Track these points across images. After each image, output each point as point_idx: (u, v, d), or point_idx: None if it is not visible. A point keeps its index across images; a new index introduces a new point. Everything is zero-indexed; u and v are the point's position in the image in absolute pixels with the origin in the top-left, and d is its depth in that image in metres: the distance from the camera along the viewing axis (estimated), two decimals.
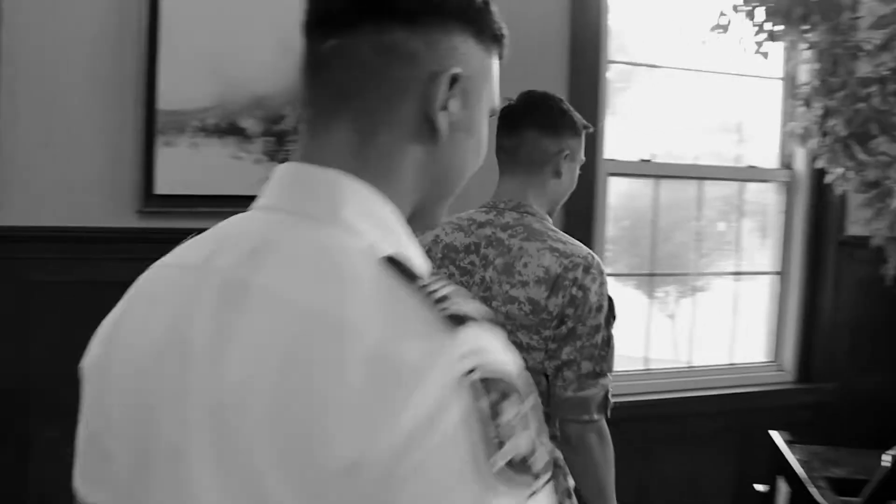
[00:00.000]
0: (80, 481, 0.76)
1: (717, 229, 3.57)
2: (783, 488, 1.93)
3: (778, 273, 3.51)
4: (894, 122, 2.75)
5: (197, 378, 0.64)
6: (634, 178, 3.25)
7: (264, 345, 0.62)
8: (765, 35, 2.79)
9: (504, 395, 0.58)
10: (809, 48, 2.89)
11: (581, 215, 2.56)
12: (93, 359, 0.76)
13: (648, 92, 3.24)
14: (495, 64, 0.79)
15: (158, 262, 0.77)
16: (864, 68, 2.80)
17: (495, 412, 0.57)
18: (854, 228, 3.29)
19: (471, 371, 0.58)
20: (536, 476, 0.59)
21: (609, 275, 1.74)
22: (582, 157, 1.78)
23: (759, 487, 2.12)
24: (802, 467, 1.85)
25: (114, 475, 0.71)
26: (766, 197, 3.52)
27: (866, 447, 1.70)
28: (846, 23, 2.78)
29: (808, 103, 2.89)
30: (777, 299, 3.52)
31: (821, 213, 3.41)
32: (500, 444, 0.56)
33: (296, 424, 0.58)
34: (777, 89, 3.41)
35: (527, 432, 0.59)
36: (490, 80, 0.78)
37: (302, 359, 0.60)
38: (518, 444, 0.57)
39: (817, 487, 1.73)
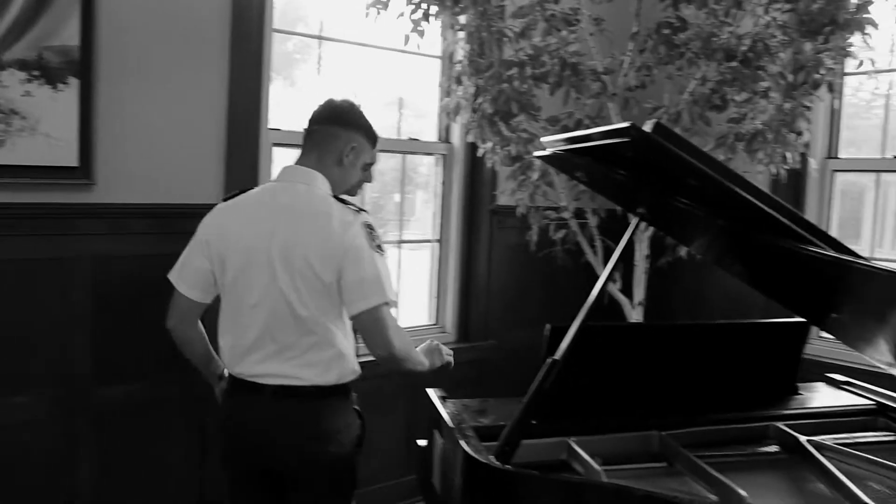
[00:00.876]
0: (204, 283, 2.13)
1: (391, 200, 3.70)
2: (438, 441, 2.05)
3: (438, 241, 3.74)
4: (532, 102, 3.04)
5: (277, 237, 1.99)
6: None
7: (304, 222, 2.00)
8: (420, 14, 2.93)
9: (373, 229, 2.05)
10: (461, 30, 3.09)
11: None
12: (214, 233, 2.07)
13: (323, 64, 3.24)
14: (369, 145, 2.16)
15: (242, 201, 2.10)
16: (507, 52, 3.06)
17: (373, 233, 2.04)
18: (503, 199, 3.60)
19: (365, 222, 2.03)
20: (383, 252, 2.06)
21: None
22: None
23: (421, 442, 2.24)
24: (453, 420, 1.97)
25: (228, 274, 2.05)
26: (434, 169, 3.72)
27: (517, 396, 1.86)
28: (492, 9, 3.01)
29: (459, 81, 3.10)
30: (438, 265, 3.76)
31: (475, 185, 3.69)
32: (376, 239, 2.04)
33: (323, 240, 1.98)
34: (436, 67, 3.61)
35: (378, 238, 2.06)
36: (365, 150, 2.16)
37: (321, 224, 1.99)
38: (379, 241, 2.06)
39: (465, 437, 1.85)
